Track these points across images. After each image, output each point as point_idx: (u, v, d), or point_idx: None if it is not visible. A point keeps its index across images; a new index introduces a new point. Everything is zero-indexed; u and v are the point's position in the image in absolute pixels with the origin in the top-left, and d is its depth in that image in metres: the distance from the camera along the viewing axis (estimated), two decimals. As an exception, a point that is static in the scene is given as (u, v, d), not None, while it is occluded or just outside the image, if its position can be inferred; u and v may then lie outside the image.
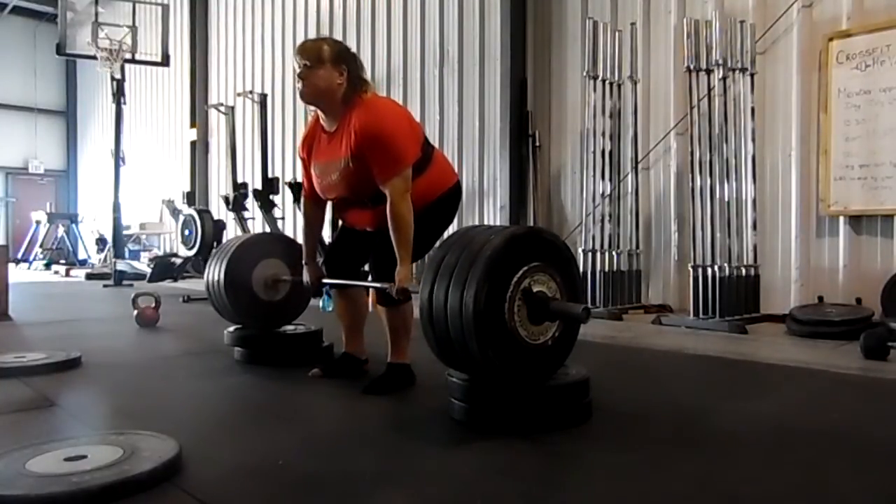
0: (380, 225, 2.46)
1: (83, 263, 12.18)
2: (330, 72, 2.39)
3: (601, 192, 5.04)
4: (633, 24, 5.33)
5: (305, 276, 2.75)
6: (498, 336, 1.90)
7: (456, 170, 7.24)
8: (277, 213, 8.32)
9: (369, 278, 2.63)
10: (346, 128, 2.40)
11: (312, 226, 2.78)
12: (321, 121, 2.52)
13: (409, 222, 2.34)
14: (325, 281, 2.73)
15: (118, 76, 8.63)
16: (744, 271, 4.36)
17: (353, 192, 2.47)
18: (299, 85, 2.41)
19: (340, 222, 2.79)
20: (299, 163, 2.75)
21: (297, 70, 2.40)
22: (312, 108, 2.54)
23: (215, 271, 3.11)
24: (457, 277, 1.92)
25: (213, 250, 3.32)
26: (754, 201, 4.43)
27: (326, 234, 2.86)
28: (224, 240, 6.85)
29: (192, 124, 11.32)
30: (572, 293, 2.08)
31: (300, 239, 2.87)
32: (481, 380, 2.05)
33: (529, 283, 1.95)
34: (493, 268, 1.88)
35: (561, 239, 2.16)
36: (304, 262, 2.76)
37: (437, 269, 2.01)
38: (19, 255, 13.38)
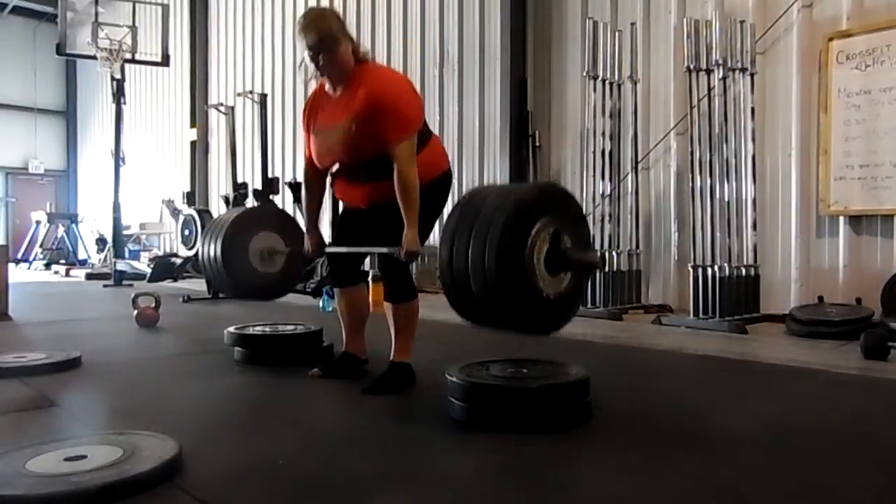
0: (372, 201, 2.50)
1: (83, 263, 12.16)
2: (346, 47, 2.43)
3: (601, 192, 5.04)
4: (633, 24, 5.33)
5: (307, 243, 2.79)
6: (517, 270, 1.89)
7: (456, 170, 7.23)
8: (277, 213, 8.31)
9: (369, 276, 2.63)
10: (353, 92, 2.44)
11: (313, 193, 2.79)
12: (326, 88, 2.55)
13: (415, 186, 2.37)
14: (327, 250, 2.76)
15: (118, 76, 8.62)
16: (744, 271, 4.36)
17: (351, 155, 2.48)
18: (318, 73, 2.43)
19: (341, 206, 2.80)
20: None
21: (312, 55, 2.39)
22: (312, 78, 2.53)
23: (211, 245, 3.11)
24: (483, 216, 1.93)
25: (207, 225, 3.36)
26: (754, 201, 4.43)
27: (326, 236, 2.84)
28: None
29: (192, 124, 11.31)
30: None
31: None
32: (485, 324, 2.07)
33: (550, 233, 1.97)
34: (521, 210, 1.92)
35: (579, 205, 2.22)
36: (305, 228, 2.82)
37: (462, 212, 2.02)
38: (19, 255, 13.36)
